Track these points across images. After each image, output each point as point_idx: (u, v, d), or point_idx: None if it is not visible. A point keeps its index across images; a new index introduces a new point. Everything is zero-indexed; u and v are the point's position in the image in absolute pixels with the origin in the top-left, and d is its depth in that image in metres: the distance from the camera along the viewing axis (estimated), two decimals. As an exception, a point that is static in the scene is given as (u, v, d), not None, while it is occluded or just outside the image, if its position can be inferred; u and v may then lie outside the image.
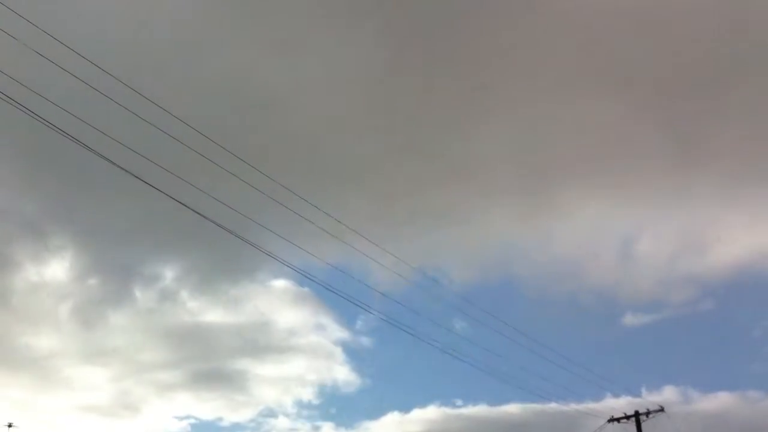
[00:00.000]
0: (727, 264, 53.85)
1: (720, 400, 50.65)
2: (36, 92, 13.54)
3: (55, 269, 52.77)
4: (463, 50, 45.91)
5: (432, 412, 53.78)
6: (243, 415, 56.38)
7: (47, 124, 13.23)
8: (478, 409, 52.97)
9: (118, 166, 13.87)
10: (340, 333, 59.44)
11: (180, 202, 14.86)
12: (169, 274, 56.18)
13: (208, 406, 57.48)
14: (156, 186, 14.68)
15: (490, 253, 53.59)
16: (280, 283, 58.65)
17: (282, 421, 56.57)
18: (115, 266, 54.56)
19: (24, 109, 13.03)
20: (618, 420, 34.88)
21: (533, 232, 51.51)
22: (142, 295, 55.02)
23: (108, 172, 13.94)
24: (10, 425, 36.22)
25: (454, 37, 45.53)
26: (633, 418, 34.58)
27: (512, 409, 50.92)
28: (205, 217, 15.73)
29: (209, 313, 57.76)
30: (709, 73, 46.00)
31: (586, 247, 54.35)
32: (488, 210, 51.96)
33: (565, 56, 46.06)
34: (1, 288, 47.98)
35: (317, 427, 56.35)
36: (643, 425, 34.48)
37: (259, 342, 58.72)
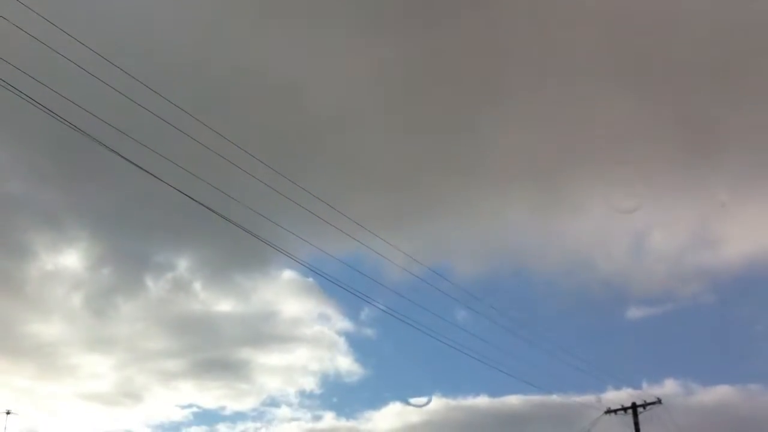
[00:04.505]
0: (737, 258, 54.01)
1: (720, 393, 51.14)
2: (51, 88, 13.86)
3: (70, 259, 52.76)
4: (476, 43, 45.99)
5: (433, 402, 54.29)
6: (246, 404, 56.69)
7: (63, 121, 13.59)
8: (480, 400, 53.46)
9: (134, 164, 14.23)
10: (343, 323, 59.82)
11: (193, 199, 15.28)
12: (181, 264, 56.49)
13: (211, 395, 57.77)
14: (169, 182, 15.10)
15: (499, 245, 53.74)
16: (287, 274, 59.08)
17: (284, 410, 57.04)
18: (129, 256, 54.85)
19: (41, 106, 13.38)
20: (615, 412, 35.32)
21: (544, 225, 51.45)
22: (153, 284, 55.47)
23: (125, 166, 14.37)
24: (8, 412, 36.43)
25: (466, 30, 45.65)
26: (630, 410, 35.16)
27: (513, 400, 51.41)
28: (215, 212, 16.16)
29: (217, 303, 58.12)
30: (722, 67, 46.06)
31: (597, 241, 54.51)
32: (499, 203, 51.94)
33: (578, 50, 46.12)
34: (17, 277, 48.53)
35: (319, 417, 56.87)
36: (640, 417, 34.94)
37: (264, 332, 59.10)
